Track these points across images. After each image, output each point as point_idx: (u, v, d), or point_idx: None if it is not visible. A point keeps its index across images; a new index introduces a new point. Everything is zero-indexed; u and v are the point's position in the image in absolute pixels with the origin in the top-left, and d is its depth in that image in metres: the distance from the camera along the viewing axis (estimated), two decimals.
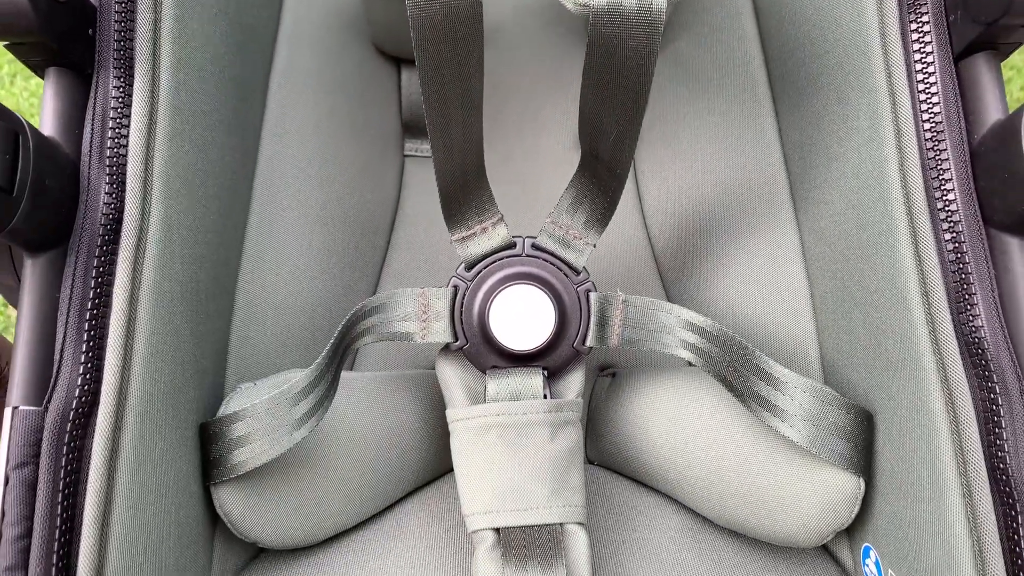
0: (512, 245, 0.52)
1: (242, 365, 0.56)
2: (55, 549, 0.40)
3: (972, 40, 0.46)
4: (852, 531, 0.53)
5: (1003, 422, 0.42)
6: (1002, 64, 0.48)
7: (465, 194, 0.50)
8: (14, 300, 0.48)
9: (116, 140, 0.46)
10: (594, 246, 0.52)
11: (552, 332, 0.51)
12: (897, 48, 0.48)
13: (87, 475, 0.41)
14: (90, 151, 0.46)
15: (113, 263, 0.44)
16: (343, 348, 0.50)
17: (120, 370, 0.43)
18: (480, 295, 0.51)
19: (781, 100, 0.64)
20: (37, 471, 0.41)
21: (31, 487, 0.40)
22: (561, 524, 0.48)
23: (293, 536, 0.50)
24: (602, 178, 0.50)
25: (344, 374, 0.55)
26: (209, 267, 0.52)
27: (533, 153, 0.76)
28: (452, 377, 0.52)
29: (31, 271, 0.44)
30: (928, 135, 0.47)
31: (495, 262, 0.52)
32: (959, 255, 0.45)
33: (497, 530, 0.48)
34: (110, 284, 0.44)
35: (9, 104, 1.32)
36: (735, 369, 0.49)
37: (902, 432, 0.47)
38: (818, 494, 0.49)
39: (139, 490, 0.43)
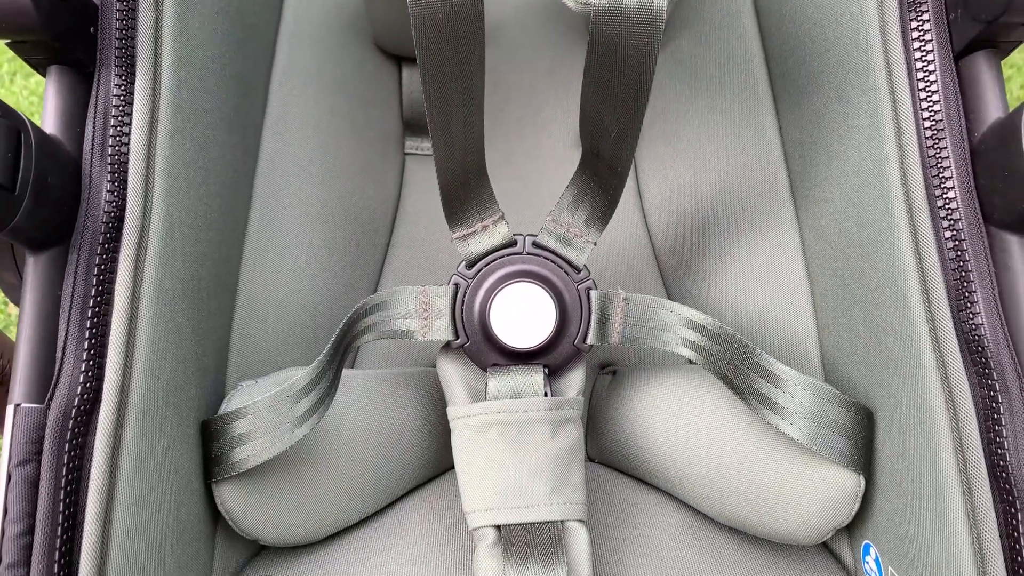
0: (513, 243, 0.52)
1: (243, 363, 0.56)
2: (57, 546, 0.40)
3: (972, 38, 0.46)
4: (852, 528, 0.54)
5: (1003, 419, 0.43)
6: (1002, 62, 0.48)
7: (466, 192, 0.51)
8: (16, 298, 0.48)
9: (118, 138, 0.46)
10: (595, 244, 0.52)
11: (553, 330, 0.51)
12: (897, 46, 0.48)
13: (89, 472, 0.41)
14: (92, 149, 0.46)
15: (115, 261, 0.45)
16: (344, 346, 0.50)
17: (122, 368, 0.43)
18: (481, 293, 0.51)
19: (782, 98, 0.64)
20: (39, 468, 0.41)
21: (33, 484, 0.41)
22: (562, 521, 0.48)
23: (294, 533, 0.51)
24: (603, 176, 0.50)
25: (345, 372, 0.55)
26: (210, 265, 0.52)
27: (534, 151, 0.76)
28: (453, 375, 0.52)
29: (33, 269, 0.44)
30: (928, 133, 0.47)
31: (496, 260, 0.52)
32: (959, 253, 0.45)
33: (498, 527, 0.48)
34: (112, 282, 0.44)
35: (9, 103, 1.32)
36: (735, 367, 0.49)
37: (902, 429, 0.47)
38: (818, 491, 0.49)
39: (141, 487, 0.43)
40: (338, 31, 0.72)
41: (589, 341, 0.52)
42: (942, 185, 0.46)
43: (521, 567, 0.46)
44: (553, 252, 0.52)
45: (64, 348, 0.43)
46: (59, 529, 0.40)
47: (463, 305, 0.52)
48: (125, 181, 0.45)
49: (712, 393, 0.53)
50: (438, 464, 0.59)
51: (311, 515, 0.51)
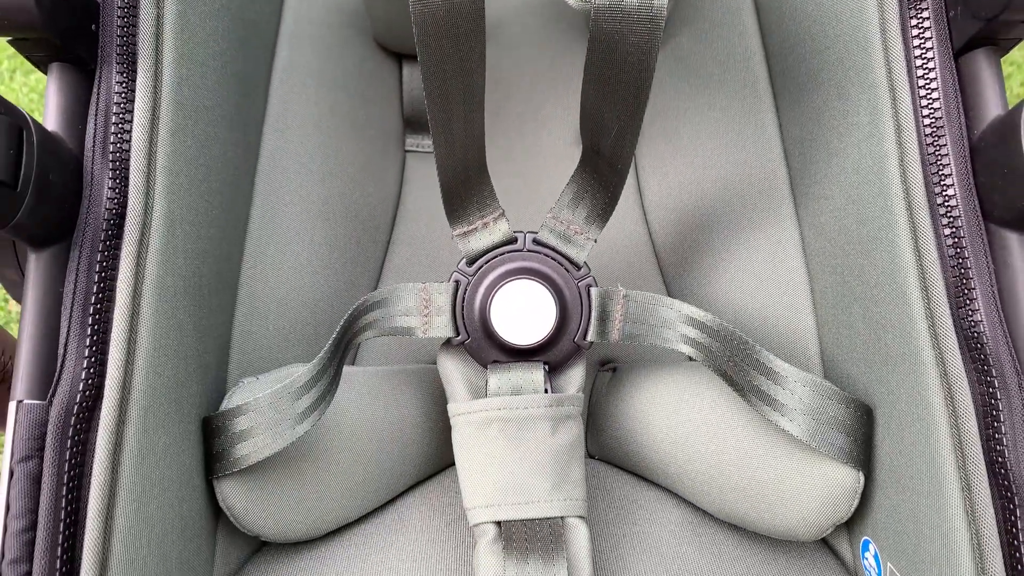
0: (513, 240, 0.52)
1: (245, 360, 0.56)
2: (59, 542, 0.40)
3: (972, 36, 0.46)
4: (851, 524, 0.54)
5: (1002, 416, 0.43)
6: (1002, 60, 0.48)
7: (466, 189, 0.51)
8: (18, 295, 0.49)
9: (119, 135, 0.46)
10: (595, 241, 0.52)
11: (553, 327, 0.51)
12: (897, 44, 0.48)
13: (91, 469, 0.42)
14: (93, 146, 0.46)
15: (116, 258, 0.45)
16: (345, 343, 0.50)
17: (123, 364, 0.43)
18: (481, 290, 0.52)
19: (782, 96, 0.64)
20: (41, 465, 0.41)
21: (35, 480, 0.41)
22: (562, 518, 0.48)
23: (295, 530, 0.51)
24: (603, 174, 0.50)
25: (346, 369, 0.55)
26: (212, 262, 0.53)
27: (534, 149, 0.76)
28: (453, 372, 0.53)
29: (35, 266, 0.45)
30: (928, 131, 0.47)
31: (496, 257, 0.52)
32: (958, 250, 0.45)
33: (499, 523, 0.48)
34: (113, 279, 0.44)
35: (8, 100, 1.32)
36: (735, 364, 0.49)
37: (901, 426, 0.47)
38: (818, 488, 0.49)
39: (143, 484, 0.43)
40: (338, 29, 0.72)
41: (589, 338, 0.52)
42: (941, 182, 0.46)
43: (521, 563, 0.46)
44: (553, 249, 0.52)
45: (66, 345, 0.43)
46: (61, 525, 0.40)
47: (464, 302, 0.52)
48: (127, 178, 0.46)
49: (712, 390, 0.54)
50: (439, 461, 0.59)
51: (312, 511, 0.51)
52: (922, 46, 0.48)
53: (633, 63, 0.43)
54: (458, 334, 0.52)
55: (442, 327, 0.52)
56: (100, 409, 0.42)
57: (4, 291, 1.07)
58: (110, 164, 0.45)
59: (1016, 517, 0.42)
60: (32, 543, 0.40)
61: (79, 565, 0.40)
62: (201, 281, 0.51)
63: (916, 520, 0.46)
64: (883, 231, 0.49)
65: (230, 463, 0.47)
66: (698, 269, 0.66)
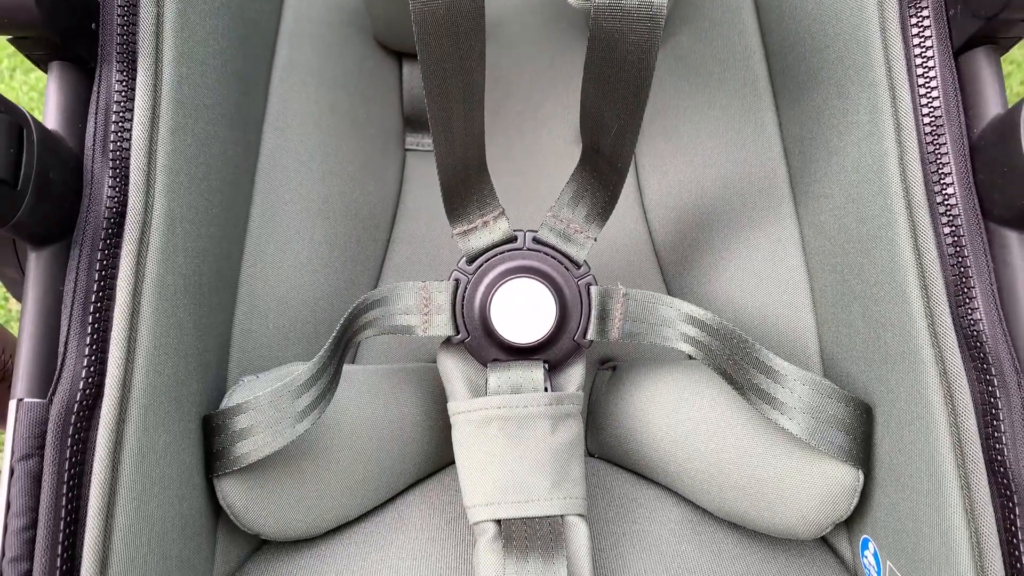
0: (513, 239, 0.52)
1: (245, 358, 0.56)
2: (60, 540, 0.40)
3: (972, 34, 0.46)
4: (851, 523, 0.54)
5: (1001, 414, 0.43)
6: (1002, 59, 0.48)
7: (466, 188, 0.51)
8: (18, 293, 0.49)
9: (119, 134, 0.46)
10: (595, 240, 0.52)
11: (553, 325, 0.51)
12: (897, 43, 0.48)
13: (91, 467, 0.42)
14: (93, 145, 0.46)
15: (117, 256, 0.45)
16: (345, 341, 0.50)
17: (124, 363, 0.43)
18: (481, 289, 0.52)
19: (781, 94, 0.64)
20: (42, 463, 0.41)
21: (36, 479, 0.41)
22: (562, 516, 0.49)
23: (295, 528, 0.51)
24: (603, 172, 0.50)
25: (346, 367, 0.55)
26: (212, 260, 0.53)
27: (534, 147, 0.76)
28: (453, 370, 0.53)
29: (35, 264, 0.45)
30: (928, 129, 0.47)
31: (496, 256, 0.52)
32: (958, 249, 0.45)
33: (498, 522, 0.48)
34: (114, 277, 0.44)
35: (9, 98, 1.31)
36: (735, 362, 0.49)
37: (901, 424, 0.47)
38: (817, 486, 0.49)
39: (143, 482, 0.43)
40: (338, 27, 0.72)
41: (589, 337, 0.52)
42: (941, 181, 0.46)
43: (521, 561, 0.46)
44: (553, 248, 0.52)
45: (66, 343, 0.43)
46: (61, 523, 0.40)
47: (464, 301, 0.52)
48: (127, 177, 0.46)
49: (711, 388, 0.54)
50: (439, 459, 0.59)
51: (312, 510, 0.51)
52: (922, 44, 0.48)
53: (633, 62, 0.43)
54: (458, 332, 0.52)
55: (442, 325, 0.52)
56: (100, 407, 0.42)
57: (4, 289, 1.07)
58: (110, 162, 0.45)
59: (1015, 515, 0.42)
60: (32, 541, 0.40)
61: (79, 563, 0.40)
62: (201, 279, 0.51)
63: (915, 518, 0.46)
64: (883, 229, 0.49)
65: (230, 461, 0.47)
66: (698, 267, 0.66)
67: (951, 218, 0.46)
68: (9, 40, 0.45)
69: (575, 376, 0.53)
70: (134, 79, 0.47)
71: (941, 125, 0.47)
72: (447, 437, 0.53)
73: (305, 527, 0.51)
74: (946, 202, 0.46)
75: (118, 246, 0.45)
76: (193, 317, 0.50)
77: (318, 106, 0.67)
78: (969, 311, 0.45)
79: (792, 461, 0.50)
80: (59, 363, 0.43)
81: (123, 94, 0.46)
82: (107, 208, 0.45)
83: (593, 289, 0.52)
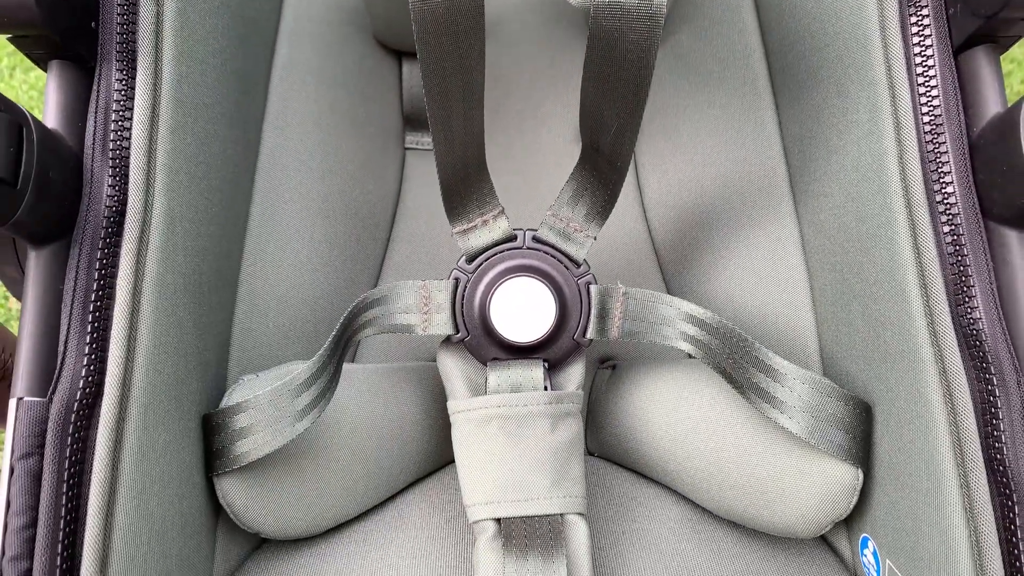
0: (513, 238, 0.52)
1: (244, 357, 0.56)
2: (60, 539, 0.40)
3: (972, 33, 0.46)
4: (850, 522, 0.54)
5: (1000, 413, 0.43)
6: (1002, 57, 0.49)
7: (466, 187, 0.51)
8: (18, 292, 0.49)
9: (119, 133, 0.46)
10: (595, 239, 0.52)
11: (553, 324, 0.51)
12: (897, 41, 0.48)
13: (91, 465, 0.42)
14: (93, 144, 0.46)
15: (116, 255, 0.45)
16: (345, 340, 0.50)
17: (124, 361, 0.43)
18: (481, 287, 0.52)
19: (781, 93, 0.64)
20: (42, 462, 0.41)
21: (36, 477, 0.41)
22: (561, 515, 0.49)
23: (295, 527, 0.51)
24: (603, 171, 0.50)
25: (346, 366, 0.55)
26: (212, 259, 0.53)
27: (534, 146, 0.76)
28: (453, 369, 0.53)
29: (35, 263, 0.45)
30: (927, 128, 0.47)
31: (496, 255, 0.52)
32: (958, 247, 0.45)
33: (498, 520, 0.48)
34: (113, 276, 0.44)
35: (9, 97, 1.31)
36: (734, 361, 0.49)
37: (900, 423, 0.47)
38: (816, 485, 0.49)
39: (143, 481, 0.43)
40: (338, 26, 0.72)
41: (589, 335, 0.52)
42: (941, 180, 0.46)
43: (521, 560, 0.46)
44: (553, 247, 0.52)
45: (66, 342, 0.43)
46: (61, 522, 0.40)
47: (463, 299, 0.52)
48: (126, 176, 0.46)
49: (711, 387, 0.54)
50: (438, 458, 0.59)
51: (312, 508, 0.51)
52: (921, 43, 0.48)
53: (633, 60, 0.43)
54: (458, 331, 0.52)
55: (442, 324, 0.52)
56: (100, 406, 0.42)
57: (4, 289, 1.07)
58: (110, 161, 0.46)
59: (1014, 514, 0.42)
60: (32, 540, 0.40)
61: (79, 562, 0.40)
62: (201, 278, 0.51)
63: (915, 517, 0.46)
64: (882, 228, 0.49)
65: (230, 460, 0.47)
66: (697, 266, 0.66)
67: (950, 217, 0.46)
68: (9, 39, 0.45)
69: (575, 375, 0.53)
70: (134, 78, 0.47)
71: (941, 124, 0.47)
72: (447, 436, 0.53)
73: (305, 526, 0.51)
74: (945, 201, 0.46)
75: (118, 245, 0.45)
76: (193, 316, 0.50)
77: (318, 105, 0.67)
78: (968, 310, 0.45)
79: (791, 460, 0.50)
80: (59, 362, 0.43)
81: (123, 93, 0.46)
82: (107, 207, 0.45)
83: (593, 288, 0.52)
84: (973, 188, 0.46)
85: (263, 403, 0.47)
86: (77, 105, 0.47)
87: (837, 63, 0.54)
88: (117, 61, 0.46)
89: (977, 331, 0.44)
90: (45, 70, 0.48)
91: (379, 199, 0.72)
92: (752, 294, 0.61)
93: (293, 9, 0.70)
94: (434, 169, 0.49)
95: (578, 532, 0.48)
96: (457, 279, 0.52)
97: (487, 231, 0.52)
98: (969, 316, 0.45)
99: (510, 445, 0.49)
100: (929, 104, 0.47)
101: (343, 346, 0.50)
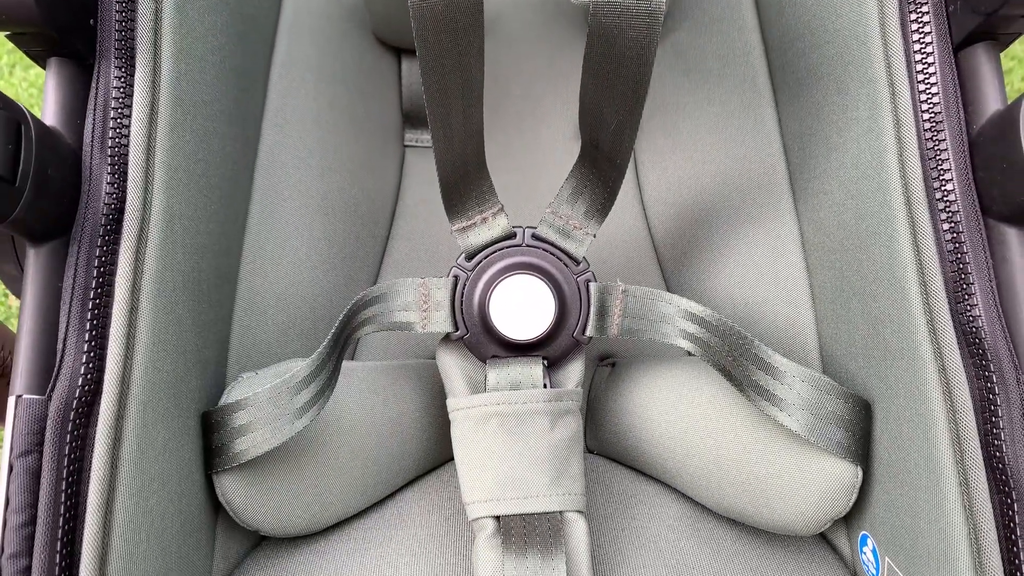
0: (512, 235, 0.52)
1: (244, 354, 0.56)
2: (59, 536, 0.40)
3: (972, 30, 0.46)
4: (850, 519, 0.54)
5: (1000, 411, 0.43)
6: (1004, 54, 0.49)
7: (465, 184, 0.51)
8: (17, 290, 0.49)
9: (118, 130, 0.46)
10: (594, 236, 0.52)
11: (552, 322, 0.51)
12: (897, 38, 0.48)
13: (90, 463, 0.42)
14: (92, 141, 0.46)
15: (115, 253, 0.45)
16: (344, 338, 0.50)
17: (123, 359, 0.43)
18: (480, 285, 0.52)
19: (781, 90, 0.64)
20: (41, 459, 0.41)
21: (35, 475, 0.41)
22: (561, 512, 0.49)
23: (295, 524, 0.51)
24: (602, 168, 0.50)
25: (345, 364, 0.55)
26: (211, 257, 0.53)
27: (533, 143, 0.76)
28: (452, 366, 0.53)
29: (34, 261, 0.45)
30: (927, 125, 0.47)
31: (495, 252, 0.52)
32: (957, 245, 0.45)
33: (497, 518, 0.48)
34: (112, 273, 0.44)
35: (8, 95, 1.31)
36: (734, 359, 0.49)
37: (900, 421, 0.47)
38: (816, 483, 0.49)
39: (142, 478, 0.43)
40: (337, 23, 0.72)
41: (588, 333, 0.52)
42: (940, 177, 0.46)
43: (520, 557, 0.46)
44: (552, 244, 0.52)
45: (65, 340, 0.43)
46: (61, 520, 0.40)
47: (463, 297, 0.52)
48: (125, 173, 0.46)
49: (711, 385, 0.54)
50: (438, 455, 0.59)
51: (311, 506, 0.51)
52: (921, 41, 0.48)
53: (632, 58, 0.43)
54: (457, 329, 0.52)
55: (441, 322, 0.52)
56: (99, 404, 0.42)
57: (3, 286, 1.07)
58: (108, 159, 0.45)
59: (1014, 512, 0.42)
60: (32, 537, 0.40)
61: (78, 559, 0.40)
62: (200, 276, 0.51)
63: (914, 515, 0.46)
64: (882, 226, 0.49)
65: (229, 458, 0.47)
66: (697, 264, 0.66)
67: (950, 214, 0.46)
68: (7, 36, 0.45)
69: (574, 373, 0.53)
70: (132, 75, 0.47)
71: (940, 121, 0.47)
72: (446, 433, 0.53)
73: (304, 523, 0.51)
74: (945, 198, 0.46)
75: (117, 242, 0.45)
76: (192, 313, 0.50)
77: (317, 102, 0.67)
78: (968, 307, 0.45)
79: (791, 458, 0.50)
80: (58, 359, 0.43)
81: (121, 90, 0.46)
82: (106, 204, 0.45)
83: (592, 285, 0.52)
84: (973, 185, 0.46)
85: (262, 401, 0.47)
86: (76, 102, 0.47)
87: (837, 60, 0.54)
88: (116, 58, 0.46)
89: (976, 328, 0.44)
90: (44, 67, 0.48)
91: (378, 196, 0.72)
92: (751, 292, 0.61)
93: (292, 5, 0.70)
94: (433, 166, 0.49)
95: (577, 530, 0.48)
96: (456, 277, 0.52)
97: (486, 229, 0.52)
98: (968, 314, 0.45)
99: (509, 443, 0.49)
100: (929, 101, 0.47)
101: (342, 344, 0.50)
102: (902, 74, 0.48)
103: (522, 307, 0.51)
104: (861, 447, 0.49)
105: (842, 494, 0.49)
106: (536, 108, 0.76)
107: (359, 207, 0.69)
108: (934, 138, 0.47)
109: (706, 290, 0.64)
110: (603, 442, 0.61)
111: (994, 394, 0.43)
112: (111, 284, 0.44)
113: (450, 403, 0.52)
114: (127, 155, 0.46)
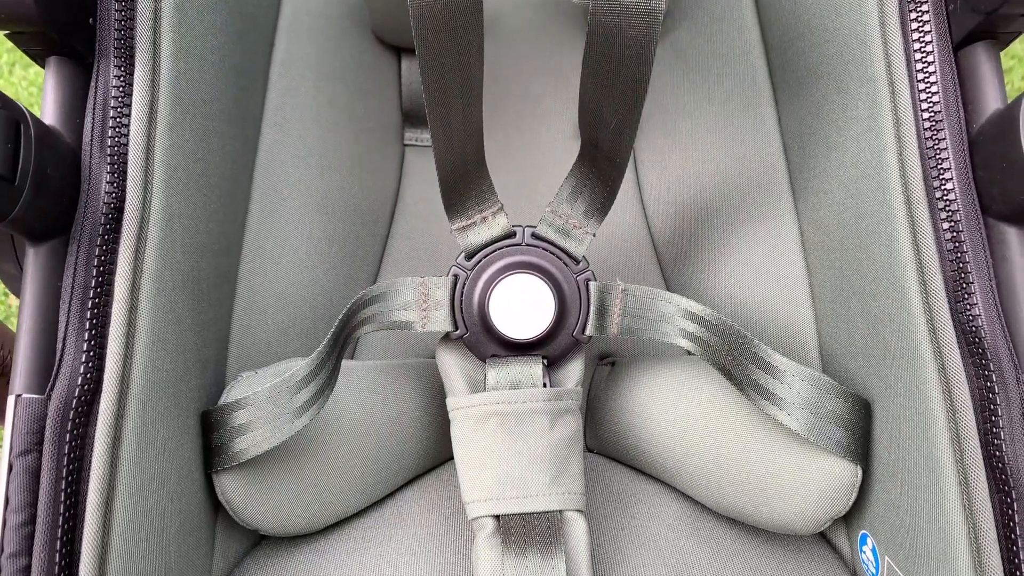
0: (512, 234, 0.52)
1: (243, 354, 0.56)
2: (58, 536, 0.40)
3: (972, 29, 0.46)
4: (849, 518, 0.54)
5: (999, 410, 0.43)
6: (1004, 53, 0.49)
7: (465, 183, 0.51)
8: (16, 289, 0.49)
9: (117, 129, 0.46)
10: (594, 235, 0.52)
11: (552, 321, 0.51)
12: (896, 37, 0.48)
13: (90, 462, 0.42)
14: (91, 140, 0.46)
15: (115, 252, 0.45)
16: (344, 337, 0.50)
17: (122, 358, 0.43)
18: (480, 284, 0.52)
19: (781, 89, 0.64)
20: (40, 458, 0.41)
21: (35, 474, 0.41)
22: (560, 511, 0.49)
23: (294, 523, 0.51)
24: (602, 167, 0.50)
25: (345, 363, 0.55)
26: (210, 256, 0.53)
27: (533, 143, 0.76)
28: (452, 366, 0.53)
29: (33, 260, 0.45)
30: (927, 124, 0.47)
31: (495, 251, 0.52)
32: (957, 244, 0.45)
33: (497, 517, 0.48)
34: (112, 273, 0.44)
35: (8, 94, 1.31)
36: (734, 358, 0.49)
37: (899, 420, 0.47)
38: (816, 482, 0.49)
39: (141, 477, 0.43)
40: (337, 21, 0.72)
41: (588, 332, 0.52)
42: (940, 176, 0.46)
43: (520, 556, 0.46)
44: (552, 243, 0.52)
45: (64, 339, 0.43)
46: (60, 519, 0.40)
47: (462, 296, 0.52)
48: (124, 172, 0.45)
49: (710, 384, 0.54)
50: (437, 455, 0.59)
51: (311, 505, 0.51)
52: (921, 39, 0.48)
53: (631, 57, 0.43)
54: (456, 328, 0.52)
55: (441, 321, 0.52)
56: (99, 403, 0.42)
57: (3, 285, 1.07)
58: (108, 158, 0.45)
59: (1013, 511, 0.42)
60: (31, 537, 0.40)
61: (78, 559, 0.40)
62: (199, 275, 0.51)
63: (914, 514, 0.46)
64: (882, 225, 0.49)
65: (229, 457, 0.47)
66: (697, 263, 0.66)
67: (950, 214, 0.46)
68: (6, 35, 0.45)
69: (574, 372, 0.53)
70: (131, 74, 0.47)
71: (940, 120, 0.47)
72: (446, 433, 0.53)
73: (304, 523, 0.51)
74: (945, 198, 0.46)
75: (116, 242, 0.45)
76: (191, 313, 0.50)
77: (316, 101, 0.67)
78: (968, 307, 0.45)
79: (790, 457, 0.50)
80: (57, 358, 0.43)
81: (120, 89, 0.46)
82: (105, 203, 0.45)
83: (592, 285, 0.52)
84: (973, 185, 0.46)
85: (262, 400, 0.47)
86: (75, 101, 0.47)
87: (837, 59, 0.54)
88: (115, 57, 0.46)
89: (976, 328, 0.44)
90: (43, 66, 0.48)
91: (378, 195, 0.72)
92: (751, 291, 0.61)
93: (292, 3, 0.70)
94: (433, 165, 0.49)
95: (577, 529, 0.48)
96: (456, 276, 0.52)
97: (486, 228, 0.52)
98: (968, 313, 0.45)
99: (509, 442, 0.49)
100: (929, 100, 0.47)
101: (342, 343, 0.50)
102: (902, 73, 0.48)
103: (522, 306, 0.51)
104: (861, 446, 0.49)
105: (842, 493, 0.49)
106: (536, 107, 0.76)
107: (359, 206, 0.69)
108: (934, 137, 0.47)
109: (706, 289, 0.64)
110: (603, 441, 0.61)
111: (994, 393, 0.43)
112: (110, 283, 0.44)
113: (450, 402, 0.52)
114: (126, 154, 0.46)
